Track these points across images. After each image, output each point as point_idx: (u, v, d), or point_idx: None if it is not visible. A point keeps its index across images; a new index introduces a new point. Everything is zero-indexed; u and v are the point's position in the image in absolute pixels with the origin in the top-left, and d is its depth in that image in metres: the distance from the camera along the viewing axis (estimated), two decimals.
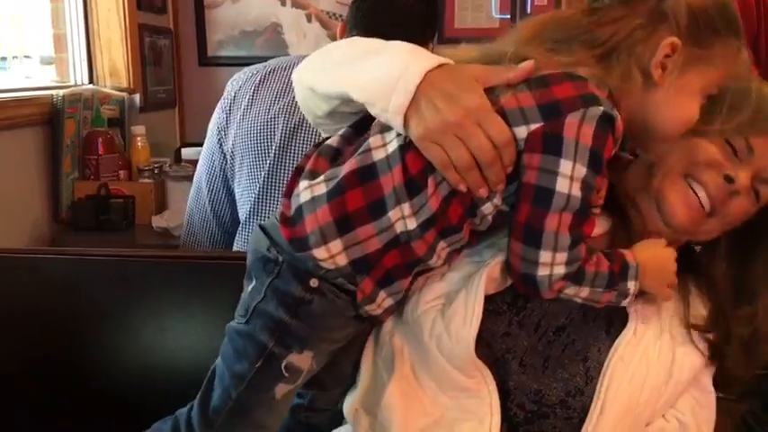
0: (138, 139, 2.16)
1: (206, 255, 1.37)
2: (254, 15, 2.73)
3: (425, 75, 0.70)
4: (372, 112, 0.73)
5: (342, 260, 0.73)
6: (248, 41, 2.76)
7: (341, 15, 2.53)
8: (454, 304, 0.79)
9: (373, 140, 0.74)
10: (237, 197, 1.48)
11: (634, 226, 0.85)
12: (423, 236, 0.72)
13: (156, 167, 2.11)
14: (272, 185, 1.42)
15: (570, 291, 0.74)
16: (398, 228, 0.72)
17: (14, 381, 1.17)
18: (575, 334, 0.83)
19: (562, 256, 0.71)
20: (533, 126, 0.69)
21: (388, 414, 0.80)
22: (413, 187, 0.72)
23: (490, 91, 0.71)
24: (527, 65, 0.71)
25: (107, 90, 2.27)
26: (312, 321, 0.75)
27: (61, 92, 1.97)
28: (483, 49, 0.78)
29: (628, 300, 0.78)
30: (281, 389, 0.77)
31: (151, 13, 2.54)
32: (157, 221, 1.91)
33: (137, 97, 2.30)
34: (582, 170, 0.68)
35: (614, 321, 0.84)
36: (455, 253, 0.78)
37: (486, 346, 0.81)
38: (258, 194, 1.42)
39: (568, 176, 0.69)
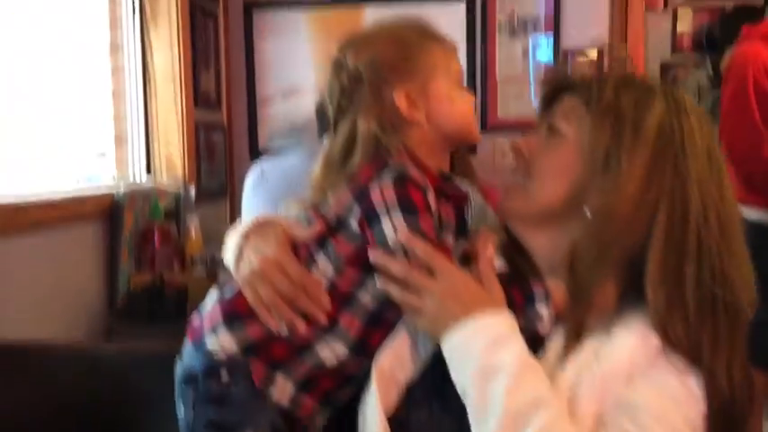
0: (193, 230, 2.24)
1: None
2: (304, 110, 2.85)
3: (244, 234, 0.90)
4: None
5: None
6: (297, 134, 2.86)
7: None
8: (362, 409, 0.84)
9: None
10: None
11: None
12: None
13: (209, 258, 2.16)
14: None
15: None
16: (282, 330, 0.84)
17: None
18: None
19: None
20: (358, 214, 0.83)
21: None
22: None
23: (320, 206, 0.88)
24: (316, 227, 0.87)
25: (164, 184, 2.37)
26: (237, 409, 0.84)
27: (122, 187, 2.07)
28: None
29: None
30: None
31: (207, 110, 2.68)
32: None
33: (192, 190, 2.39)
34: (399, 219, 0.80)
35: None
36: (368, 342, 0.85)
37: None
38: None
39: (392, 228, 0.81)
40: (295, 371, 0.84)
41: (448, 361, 0.79)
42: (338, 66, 0.91)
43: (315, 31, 2.83)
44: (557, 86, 0.92)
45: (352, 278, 0.84)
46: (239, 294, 0.86)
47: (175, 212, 2.31)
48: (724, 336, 0.79)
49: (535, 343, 0.82)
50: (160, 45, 2.42)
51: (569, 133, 0.86)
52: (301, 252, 0.87)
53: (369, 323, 0.84)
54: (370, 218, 0.81)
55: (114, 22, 2.38)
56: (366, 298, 0.84)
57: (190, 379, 0.87)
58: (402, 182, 0.81)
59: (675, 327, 0.78)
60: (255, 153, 2.90)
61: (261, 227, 0.90)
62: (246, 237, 0.89)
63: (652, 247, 0.80)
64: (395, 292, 0.81)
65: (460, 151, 0.94)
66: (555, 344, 0.83)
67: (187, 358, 0.89)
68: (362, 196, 0.82)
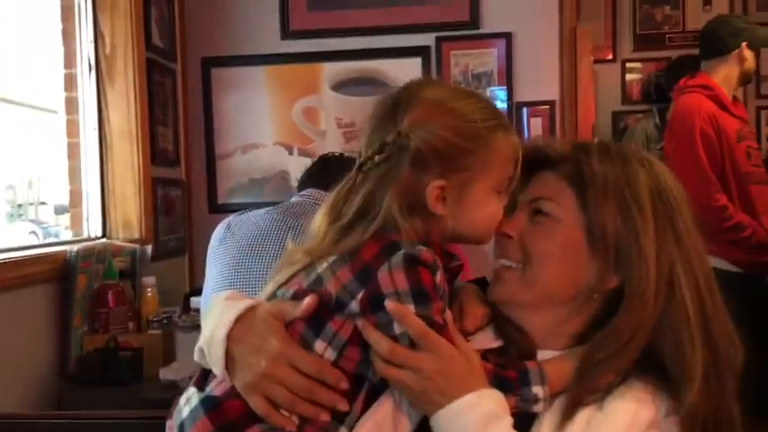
0: (149, 289, 2.18)
1: None
2: (263, 164, 2.85)
3: (229, 334, 0.80)
4: (208, 366, 0.83)
5: None
6: (257, 188, 2.85)
7: None
8: None
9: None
10: None
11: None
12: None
13: (165, 318, 2.11)
14: None
15: None
16: None
17: None
18: None
19: None
20: (359, 295, 0.78)
21: None
22: None
23: (315, 281, 0.80)
24: (310, 301, 0.79)
25: (119, 243, 2.32)
26: None
27: (75, 247, 2.02)
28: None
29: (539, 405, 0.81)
30: None
31: (165, 167, 2.65)
32: (165, 373, 1.89)
33: (148, 248, 2.35)
34: (410, 308, 0.76)
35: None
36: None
37: None
38: None
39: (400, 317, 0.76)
40: None
41: None
42: (392, 115, 0.82)
43: (273, 87, 2.85)
44: (531, 163, 0.91)
45: (355, 357, 0.80)
46: (229, 400, 0.80)
47: (131, 271, 2.26)
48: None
49: (526, 417, 0.81)
50: (116, 102, 2.41)
51: (562, 216, 0.87)
52: (293, 334, 0.80)
53: (371, 396, 0.81)
54: (377, 303, 0.77)
55: (70, 80, 2.36)
56: (370, 373, 0.81)
57: None
58: (413, 265, 0.77)
59: (699, 403, 0.80)
60: (215, 208, 2.87)
61: (244, 321, 0.80)
62: (233, 337, 0.79)
63: (677, 325, 0.81)
64: (381, 367, 0.79)
65: None
66: (548, 419, 0.82)
67: None
68: (367, 279, 0.77)
